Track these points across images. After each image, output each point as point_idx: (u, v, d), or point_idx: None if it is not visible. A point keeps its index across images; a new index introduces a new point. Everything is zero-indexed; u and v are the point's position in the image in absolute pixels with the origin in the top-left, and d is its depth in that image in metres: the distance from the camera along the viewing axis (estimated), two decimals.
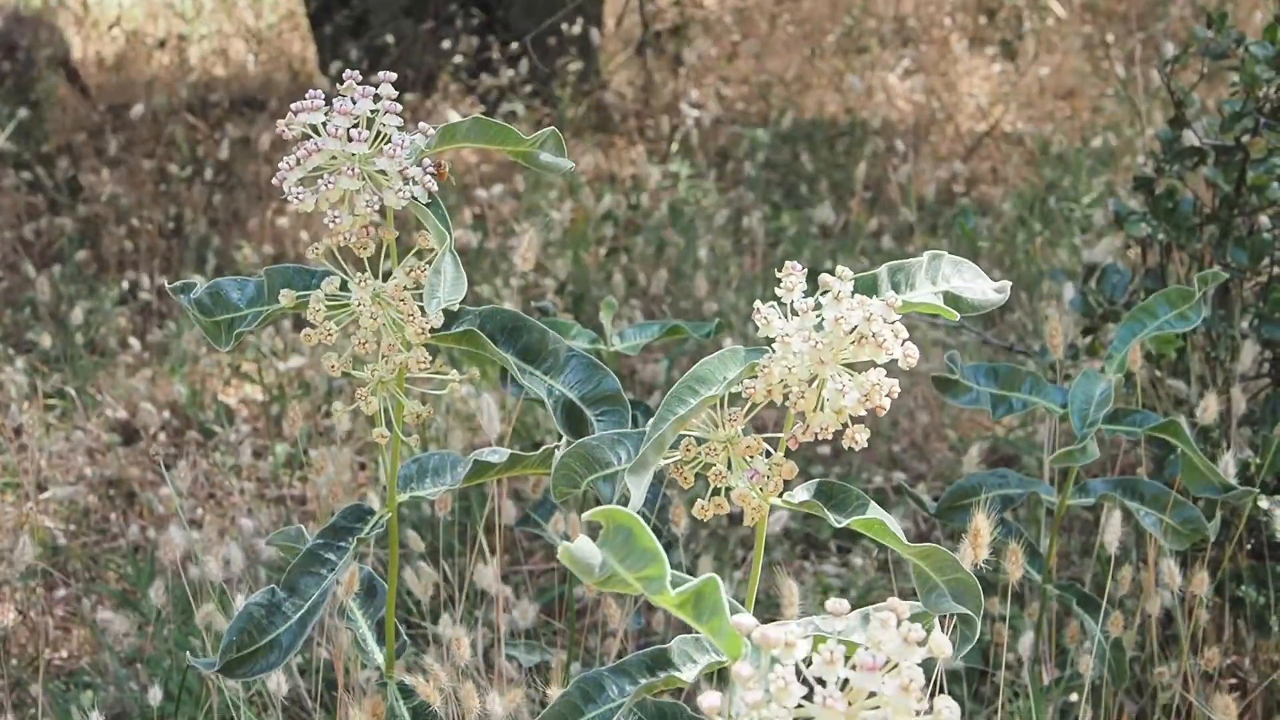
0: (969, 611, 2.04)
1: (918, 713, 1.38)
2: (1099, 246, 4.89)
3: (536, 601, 3.84)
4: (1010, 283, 2.09)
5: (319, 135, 2.16)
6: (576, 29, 8.27)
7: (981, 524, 2.59)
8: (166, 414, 5.24)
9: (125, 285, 6.27)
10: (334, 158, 2.17)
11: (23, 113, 7.68)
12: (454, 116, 6.70)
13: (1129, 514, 3.26)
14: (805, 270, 1.90)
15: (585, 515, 1.48)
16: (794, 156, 7.64)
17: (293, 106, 2.18)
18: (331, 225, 2.18)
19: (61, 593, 4.30)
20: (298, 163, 2.16)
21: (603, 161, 7.74)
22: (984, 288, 2.05)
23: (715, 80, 8.95)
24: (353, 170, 2.14)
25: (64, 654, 4.07)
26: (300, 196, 2.16)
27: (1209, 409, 3.37)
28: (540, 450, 2.40)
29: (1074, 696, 3.53)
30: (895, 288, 2.01)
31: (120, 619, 3.76)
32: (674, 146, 7.39)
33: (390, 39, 8.47)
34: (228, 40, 9.89)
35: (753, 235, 6.46)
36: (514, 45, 8.24)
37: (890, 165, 7.28)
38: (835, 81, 8.83)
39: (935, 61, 9.11)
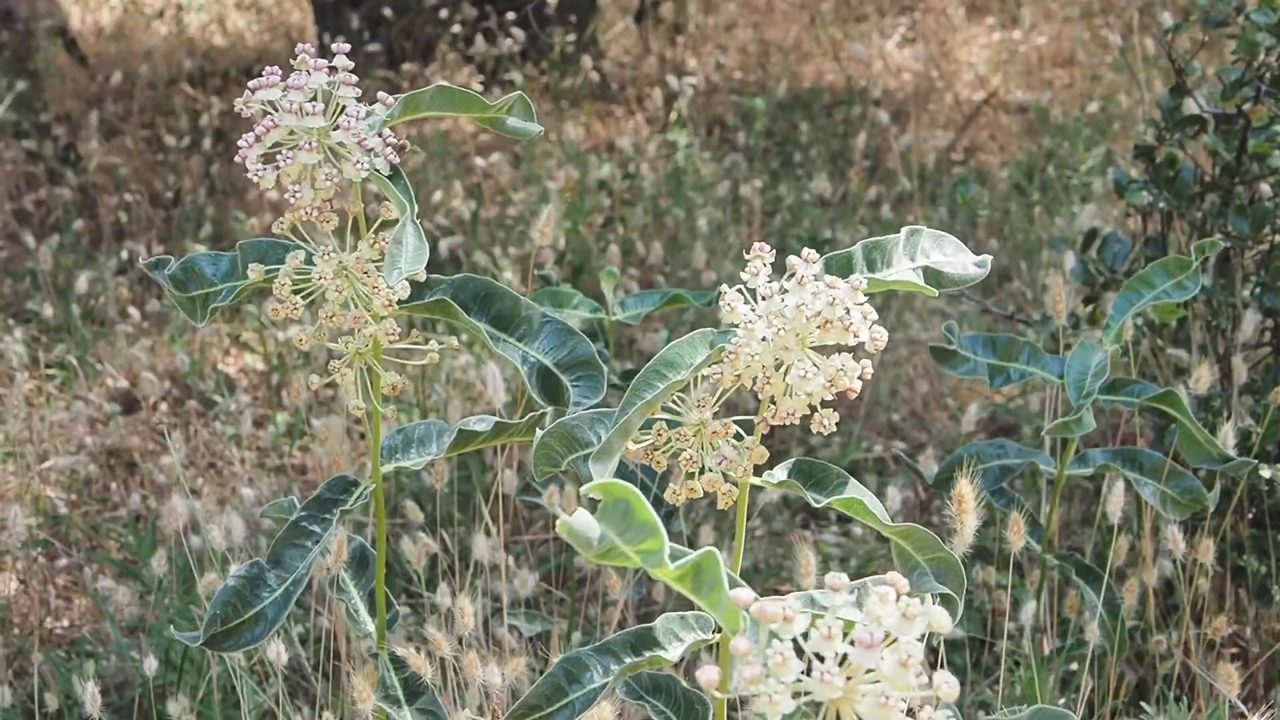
0: (951, 591, 2.04)
1: (916, 687, 1.38)
2: (1085, 210, 4.90)
3: (537, 571, 3.85)
4: (991, 257, 2.08)
5: (276, 112, 2.16)
6: None
7: (966, 490, 2.58)
8: (167, 383, 5.24)
9: (124, 255, 6.26)
10: (292, 133, 2.16)
11: (21, 83, 7.67)
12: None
13: (1129, 485, 3.26)
14: (775, 251, 1.89)
15: (583, 489, 1.48)
16: (792, 126, 7.63)
17: (249, 84, 2.18)
18: (292, 200, 2.17)
19: (63, 562, 4.30)
20: (257, 139, 2.15)
21: (600, 130, 7.74)
22: (965, 261, 2.03)
23: (713, 49, 8.94)
24: (310, 145, 2.14)
25: (65, 623, 4.08)
26: (260, 173, 2.16)
27: (1202, 379, 3.37)
28: (526, 418, 2.39)
29: (1074, 666, 3.54)
30: (871, 265, 1.99)
31: (121, 589, 3.76)
32: (672, 116, 7.38)
33: (388, 10, 8.45)
34: (226, 9, 9.87)
35: (750, 205, 6.45)
36: (511, 15, 8.23)
37: (889, 134, 7.27)
38: (833, 50, 8.82)
39: (934, 30, 9.09)
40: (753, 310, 1.85)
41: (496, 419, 2.41)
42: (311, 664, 3.51)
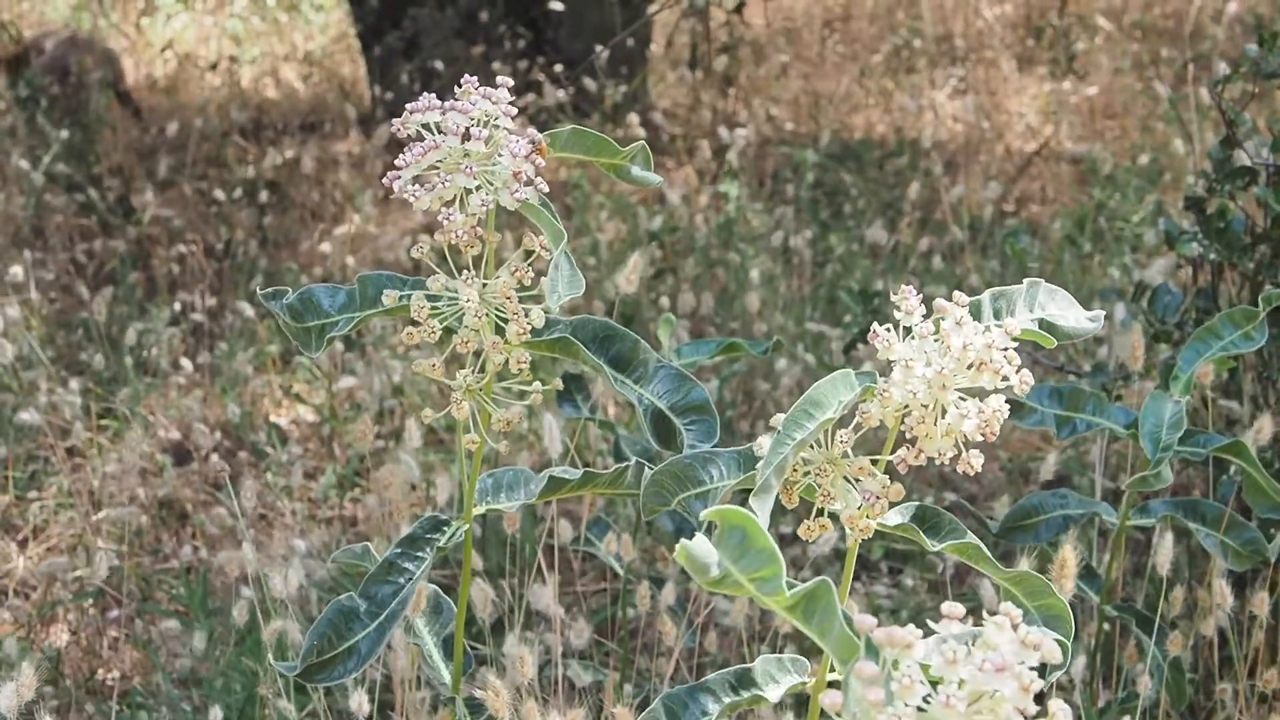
0: (1061, 638, 2.06)
1: (1027, 714, 1.40)
2: (1154, 267, 4.88)
3: (591, 622, 3.85)
4: (1104, 313, 2.11)
5: (433, 134, 2.19)
6: (627, 46, 8.29)
7: (1069, 555, 2.62)
8: (218, 435, 5.25)
9: (177, 306, 6.29)
10: (449, 156, 2.20)
11: (74, 134, 7.72)
12: None
13: (1180, 535, 3.26)
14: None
15: (704, 514, 1.49)
16: (842, 177, 7.64)
17: (408, 106, 2.22)
18: (445, 223, 2.20)
19: (115, 613, 4.32)
20: (416, 159, 2.19)
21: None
22: (1078, 315, 2.10)
23: (764, 100, 8.96)
24: (471, 169, 2.17)
25: (116, 674, 4.09)
26: (415, 194, 2.19)
27: (1264, 430, 3.36)
28: (612, 470, 2.43)
29: (1126, 719, 3.52)
30: (997, 313, 2.05)
31: (173, 640, 3.77)
32: (724, 167, 7.39)
33: (439, 62, 8.48)
34: (279, 62, 9.93)
35: (800, 255, 6.46)
36: (560, 67, 8.27)
37: (940, 185, 7.27)
38: (883, 101, 8.83)
39: (984, 81, 9.10)
40: (909, 348, 1.89)
41: (585, 468, 2.45)
42: (364, 715, 3.52)
